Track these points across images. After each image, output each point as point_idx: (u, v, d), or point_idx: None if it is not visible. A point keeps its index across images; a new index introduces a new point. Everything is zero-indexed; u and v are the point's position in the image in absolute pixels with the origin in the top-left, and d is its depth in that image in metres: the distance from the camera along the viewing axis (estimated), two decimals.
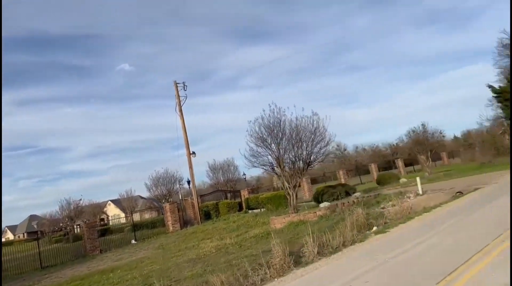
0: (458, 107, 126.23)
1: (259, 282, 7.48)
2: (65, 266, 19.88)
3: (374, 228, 12.17)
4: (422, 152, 32.48)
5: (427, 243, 8.29)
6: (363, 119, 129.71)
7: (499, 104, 42.03)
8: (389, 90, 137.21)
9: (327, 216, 16.44)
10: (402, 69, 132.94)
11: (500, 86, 42.07)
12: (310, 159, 18.88)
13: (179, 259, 14.58)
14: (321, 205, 19.65)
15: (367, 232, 11.59)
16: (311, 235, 8.98)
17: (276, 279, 7.61)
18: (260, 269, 7.92)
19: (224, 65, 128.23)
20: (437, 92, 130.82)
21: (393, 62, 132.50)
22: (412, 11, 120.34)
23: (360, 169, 50.69)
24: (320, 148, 18.97)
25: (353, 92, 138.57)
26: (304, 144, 18.57)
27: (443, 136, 56.26)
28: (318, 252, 8.88)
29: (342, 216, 14.28)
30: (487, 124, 44.55)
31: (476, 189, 17.07)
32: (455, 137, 67.61)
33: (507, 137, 39.42)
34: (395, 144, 63.96)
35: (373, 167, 43.00)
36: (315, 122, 18.45)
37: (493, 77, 60.49)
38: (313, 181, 44.84)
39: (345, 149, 69.63)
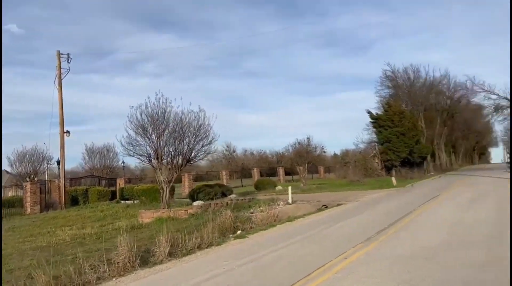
0: (342, 127, 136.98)
1: (94, 281, 6.79)
2: None
3: (239, 232, 12.16)
4: (301, 163, 34.11)
5: (279, 253, 8.35)
6: (256, 124, 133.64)
7: (374, 130, 46.38)
8: (284, 100, 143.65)
9: (197, 215, 16.18)
10: (298, 82, 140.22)
11: (377, 113, 46.44)
12: (190, 155, 18.47)
13: (27, 245, 13.07)
14: (194, 203, 19.39)
15: (231, 235, 11.49)
16: (165, 234, 8.53)
17: (114, 279, 6.97)
18: (99, 266, 7.23)
19: (124, 46, 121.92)
20: (326, 110, 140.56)
21: (290, 74, 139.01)
22: (314, 31, 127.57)
23: (245, 172, 51.70)
24: (203, 146, 18.67)
25: (249, 97, 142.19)
26: (187, 139, 18.10)
27: (324, 152, 59.88)
28: (170, 253, 8.43)
29: (212, 216, 14.12)
30: (362, 146, 48.82)
31: (339, 204, 18.18)
32: (335, 154, 72.79)
33: (377, 160, 43.49)
34: (281, 153, 66.73)
35: (255, 172, 44.10)
36: (201, 118, 18.14)
37: (373, 104, 66.78)
38: (199, 178, 44.64)
39: (234, 151, 70.65)
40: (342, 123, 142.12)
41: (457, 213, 12.62)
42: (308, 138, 36.04)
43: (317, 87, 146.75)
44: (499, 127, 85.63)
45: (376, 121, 45.35)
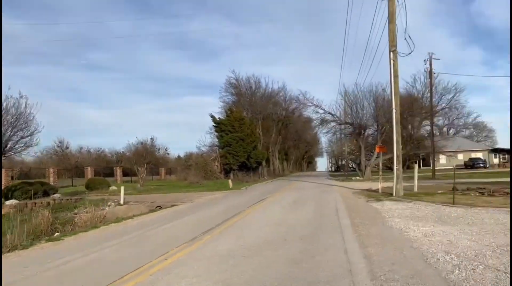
0: (188, 130, 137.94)
1: None
2: None
3: (56, 234, 11.02)
4: (141, 164, 33.01)
5: (95, 255, 7.67)
6: (97, 121, 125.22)
7: (216, 134, 47.72)
8: (129, 98, 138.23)
9: (8, 216, 14.17)
10: (145, 82, 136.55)
11: (220, 118, 47.93)
12: (5, 147, 16.15)
13: None
14: (8, 202, 16.96)
15: (47, 238, 10.29)
16: None
17: None
18: None
19: None
20: (173, 112, 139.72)
21: (137, 72, 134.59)
22: (165, 31, 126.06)
23: (79, 171, 47.88)
24: (22, 137, 16.57)
25: (91, 91, 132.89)
26: (2, 129, 15.78)
27: (168, 153, 59.13)
28: None
29: (26, 217, 12.56)
30: (204, 149, 49.73)
31: (173, 205, 17.98)
32: (179, 156, 72.66)
33: (217, 163, 44.72)
34: (121, 152, 63.70)
35: (88, 171, 41.11)
36: (22, 106, 16.07)
37: (217, 109, 69.07)
38: (23, 175, 39.81)
39: (67, 147, 64.62)
40: (189, 126, 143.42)
41: (281, 214, 13.46)
42: (152, 139, 35.21)
43: (165, 88, 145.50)
44: (324, 139, 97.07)
45: (219, 125, 46.75)
